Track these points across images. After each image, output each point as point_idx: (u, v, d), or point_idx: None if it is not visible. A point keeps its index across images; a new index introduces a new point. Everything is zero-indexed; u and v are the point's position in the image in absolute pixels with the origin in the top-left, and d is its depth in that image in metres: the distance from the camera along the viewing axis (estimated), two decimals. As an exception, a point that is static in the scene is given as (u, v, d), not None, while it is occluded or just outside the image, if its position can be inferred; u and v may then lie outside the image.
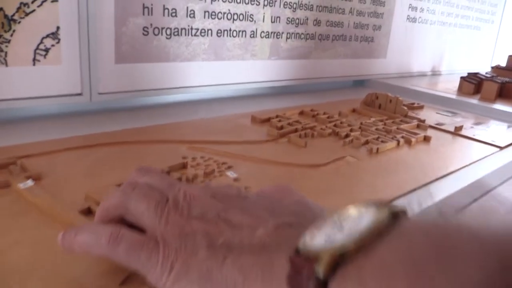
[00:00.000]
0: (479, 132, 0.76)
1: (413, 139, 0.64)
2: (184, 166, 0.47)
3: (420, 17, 1.24)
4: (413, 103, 0.92)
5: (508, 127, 0.83)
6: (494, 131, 0.79)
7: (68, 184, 0.41)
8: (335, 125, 0.68)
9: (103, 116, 0.65)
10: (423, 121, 0.77)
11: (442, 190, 0.49)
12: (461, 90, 1.10)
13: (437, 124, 0.78)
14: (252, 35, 0.80)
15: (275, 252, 0.21)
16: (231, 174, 0.46)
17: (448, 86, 1.17)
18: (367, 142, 0.62)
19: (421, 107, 0.92)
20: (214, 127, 0.62)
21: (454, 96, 1.04)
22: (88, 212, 0.36)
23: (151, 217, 0.26)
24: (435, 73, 1.41)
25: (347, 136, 0.63)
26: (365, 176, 0.50)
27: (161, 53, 0.68)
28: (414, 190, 0.48)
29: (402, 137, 0.65)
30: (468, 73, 1.16)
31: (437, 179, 0.52)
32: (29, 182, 0.39)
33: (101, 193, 0.38)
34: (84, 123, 0.61)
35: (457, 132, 0.74)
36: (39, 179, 0.41)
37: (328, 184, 0.47)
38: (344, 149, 0.59)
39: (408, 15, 1.19)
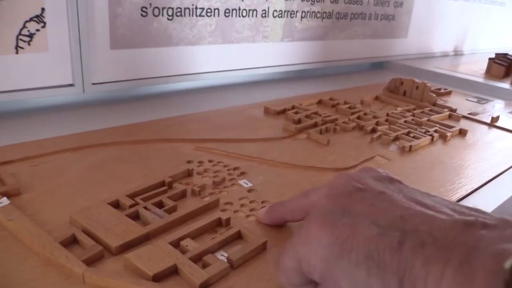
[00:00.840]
0: (517, 122, 0.68)
1: (448, 134, 0.57)
2: (189, 173, 0.40)
3: (443, -8, 1.14)
4: (439, 89, 0.84)
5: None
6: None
7: (52, 200, 0.34)
8: (358, 117, 0.61)
9: (98, 110, 0.58)
10: (455, 110, 0.69)
11: (492, 198, 0.42)
12: (489, 73, 1.02)
13: (470, 113, 0.70)
14: (263, 15, 0.72)
15: (471, 253, 0.18)
16: (244, 183, 0.39)
17: (474, 68, 1.08)
18: (397, 138, 0.54)
19: (448, 93, 0.84)
20: (224, 121, 0.55)
21: (482, 80, 0.95)
22: (72, 241, 0.29)
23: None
24: (457, 53, 1.32)
25: (373, 130, 0.56)
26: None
27: (162, 37, 0.60)
28: (462, 199, 0.41)
29: (436, 131, 0.58)
30: (496, 54, 1.07)
31: (483, 184, 0.44)
32: (4, 201, 0.32)
33: (89, 215, 0.31)
34: (76, 118, 0.54)
35: (493, 123, 0.66)
36: (18, 194, 0.34)
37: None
38: (372, 147, 0.52)
39: (432, -10, 1.09)
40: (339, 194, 0.24)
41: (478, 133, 0.62)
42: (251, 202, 0.36)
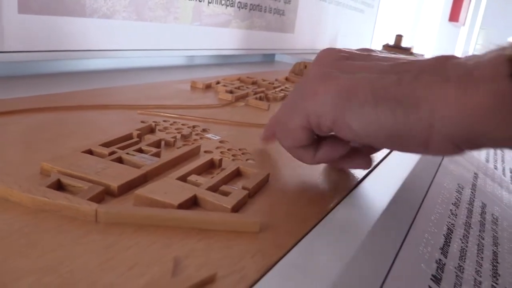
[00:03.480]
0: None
1: (362, 102, 0.63)
2: (152, 130, 0.37)
3: (320, -5, 1.26)
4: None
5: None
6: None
7: (1, 157, 0.28)
8: (282, 90, 0.63)
9: (5, 82, 0.49)
10: (355, 88, 0.77)
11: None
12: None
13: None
14: (174, -5, 0.70)
15: (467, 67, 0.21)
16: (212, 136, 0.38)
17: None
18: (324, 105, 0.58)
19: (341, 78, 0.93)
20: (155, 92, 0.52)
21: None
22: (57, 188, 0.24)
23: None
24: (331, 52, 1.46)
25: (301, 99, 0.59)
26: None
27: (75, 5, 0.54)
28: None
29: (351, 100, 0.64)
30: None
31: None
32: None
33: (67, 162, 0.26)
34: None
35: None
36: (-49, 153, 0.28)
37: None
38: (306, 112, 0.54)
39: (311, -8, 1.20)
40: (329, 63, 0.26)
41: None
42: (229, 149, 0.35)
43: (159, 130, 0.38)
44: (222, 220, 0.22)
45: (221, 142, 0.37)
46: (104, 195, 0.24)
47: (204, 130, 0.39)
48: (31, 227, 0.21)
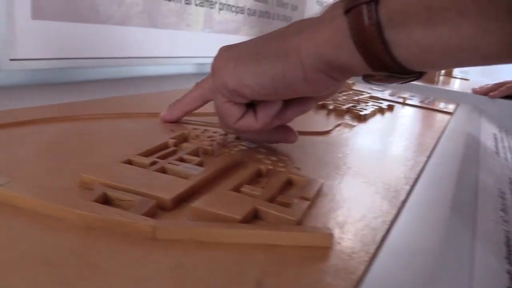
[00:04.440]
0: (416, 102, 0.77)
1: (384, 108, 0.61)
2: (185, 138, 0.35)
3: (326, 2, 1.25)
4: (344, 81, 0.90)
5: (433, 99, 0.86)
6: (427, 100, 0.81)
7: (28, 170, 0.26)
8: (301, 97, 0.62)
9: (20, 91, 0.47)
10: (370, 93, 0.75)
11: (452, 144, 0.46)
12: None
13: (383, 96, 0.77)
14: (187, 2, 0.69)
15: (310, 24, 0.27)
16: (249, 144, 0.36)
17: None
18: (348, 110, 0.56)
19: (353, 83, 0.91)
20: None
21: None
22: (104, 202, 0.22)
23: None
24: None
25: (323, 106, 0.57)
26: (384, 137, 0.45)
27: (89, 11, 0.52)
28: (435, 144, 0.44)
29: (373, 105, 0.62)
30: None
31: (440, 136, 0.49)
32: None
33: (109, 173, 0.24)
34: (6, 96, 0.43)
35: (404, 102, 0.74)
36: (-20, 166, 0.25)
37: (360, 146, 0.40)
38: (331, 117, 0.52)
39: (316, -1, 1.19)
40: (223, 50, 0.31)
41: (399, 109, 0.68)
42: (270, 157, 0.33)
43: (191, 138, 0.35)
44: (293, 234, 0.20)
45: (258, 149, 0.35)
46: (157, 209, 0.22)
47: (237, 138, 0.37)
48: (85, 247, 0.18)
